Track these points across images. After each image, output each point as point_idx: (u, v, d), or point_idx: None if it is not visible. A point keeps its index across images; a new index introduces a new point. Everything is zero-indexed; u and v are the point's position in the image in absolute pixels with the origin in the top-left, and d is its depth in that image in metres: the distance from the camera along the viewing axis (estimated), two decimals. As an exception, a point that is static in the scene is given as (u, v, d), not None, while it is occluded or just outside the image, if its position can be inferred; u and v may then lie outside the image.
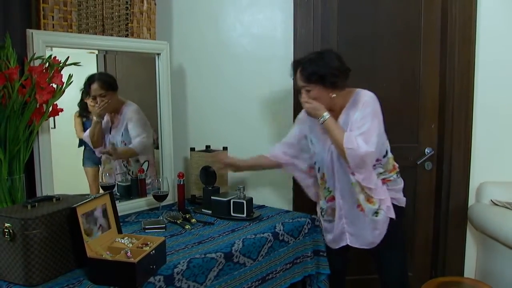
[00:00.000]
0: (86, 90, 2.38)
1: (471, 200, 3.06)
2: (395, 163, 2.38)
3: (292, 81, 2.41)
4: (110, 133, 2.53)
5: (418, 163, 3.00)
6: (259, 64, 2.83)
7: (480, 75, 2.97)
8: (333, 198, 2.34)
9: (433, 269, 3.15)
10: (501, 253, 2.80)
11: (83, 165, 2.48)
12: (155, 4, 2.52)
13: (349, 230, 2.33)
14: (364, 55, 2.93)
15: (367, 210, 2.25)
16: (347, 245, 2.35)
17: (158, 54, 2.50)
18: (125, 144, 2.55)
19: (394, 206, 2.29)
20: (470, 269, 3.12)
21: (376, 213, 2.25)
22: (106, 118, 2.50)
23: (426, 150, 3.01)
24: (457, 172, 3.00)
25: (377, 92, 2.38)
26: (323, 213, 2.42)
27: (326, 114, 2.17)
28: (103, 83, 2.42)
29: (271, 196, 2.71)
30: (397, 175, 2.35)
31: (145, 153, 2.62)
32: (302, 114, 2.47)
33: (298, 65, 2.22)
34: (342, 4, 2.88)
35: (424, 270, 3.15)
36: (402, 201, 2.37)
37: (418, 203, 3.11)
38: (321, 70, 2.13)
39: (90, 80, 2.39)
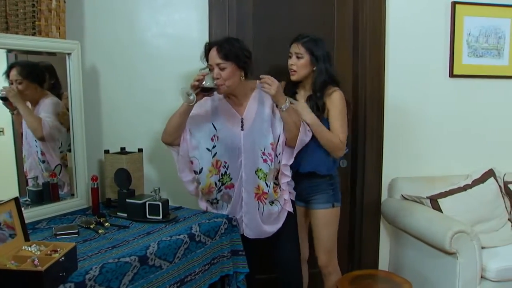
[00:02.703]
0: (7, 75, 2.29)
1: (384, 195, 3.20)
2: None
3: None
4: None
5: (334, 161, 3.09)
6: (176, 64, 2.81)
7: (390, 76, 3.12)
8: (232, 186, 2.38)
9: (350, 263, 3.26)
10: (411, 245, 2.96)
11: None
12: (64, 1, 2.43)
13: (245, 220, 2.40)
14: (279, 55, 2.96)
15: (268, 198, 2.37)
16: (247, 240, 2.42)
17: (69, 54, 2.40)
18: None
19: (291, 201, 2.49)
20: (384, 261, 3.26)
21: (272, 202, 2.39)
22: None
23: (341, 148, 3.11)
24: (370, 169, 3.13)
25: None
26: (214, 204, 2.47)
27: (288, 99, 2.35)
28: (22, 69, 2.33)
29: (189, 197, 2.69)
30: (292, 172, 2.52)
31: (48, 136, 2.47)
32: (205, 101, 2.40)
33: (213, 45, 2.31)
34: (257, 5, 2.92)
35: (341, 264, 3.23)
36: (294, 196, 2.56)
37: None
38: (237, 50, 2.29)
39: (12, 64, 2.30)
